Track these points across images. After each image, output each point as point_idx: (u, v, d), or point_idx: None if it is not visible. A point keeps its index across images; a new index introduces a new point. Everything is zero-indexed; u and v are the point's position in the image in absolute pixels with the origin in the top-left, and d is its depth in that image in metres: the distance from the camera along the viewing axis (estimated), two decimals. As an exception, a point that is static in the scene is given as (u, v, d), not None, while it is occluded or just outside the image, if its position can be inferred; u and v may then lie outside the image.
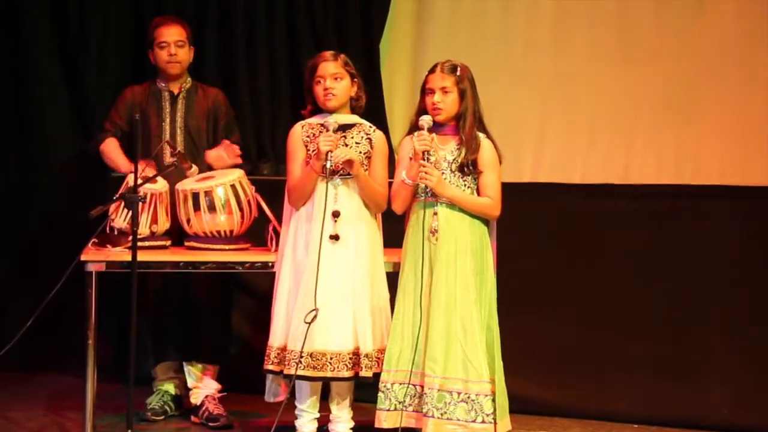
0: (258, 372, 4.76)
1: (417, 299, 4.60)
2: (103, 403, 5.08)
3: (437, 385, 4.54)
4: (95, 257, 4.88)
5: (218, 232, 5.13)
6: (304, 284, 4.66)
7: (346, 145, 4.74)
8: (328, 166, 4.63)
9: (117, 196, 4.89)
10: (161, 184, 5.14)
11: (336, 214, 4.69)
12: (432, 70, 4.69)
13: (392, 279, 4.78)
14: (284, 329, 4.70)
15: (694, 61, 5.59)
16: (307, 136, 4.79)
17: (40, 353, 6.12)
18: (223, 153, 5.38)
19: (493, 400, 4.56)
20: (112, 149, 5.39)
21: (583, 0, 5.79)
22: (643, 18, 5.69)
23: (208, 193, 5.11)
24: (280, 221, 4.94)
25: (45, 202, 6.27)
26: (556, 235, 5.67)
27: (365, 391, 4.90)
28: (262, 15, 6.12)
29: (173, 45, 5.37)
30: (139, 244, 4.68)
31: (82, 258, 4.83)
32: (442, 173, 4.62)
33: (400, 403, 4.61)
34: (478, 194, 4.68)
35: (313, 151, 4.71)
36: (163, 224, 5.16)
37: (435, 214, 4.63)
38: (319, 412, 4.84)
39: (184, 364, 5.42)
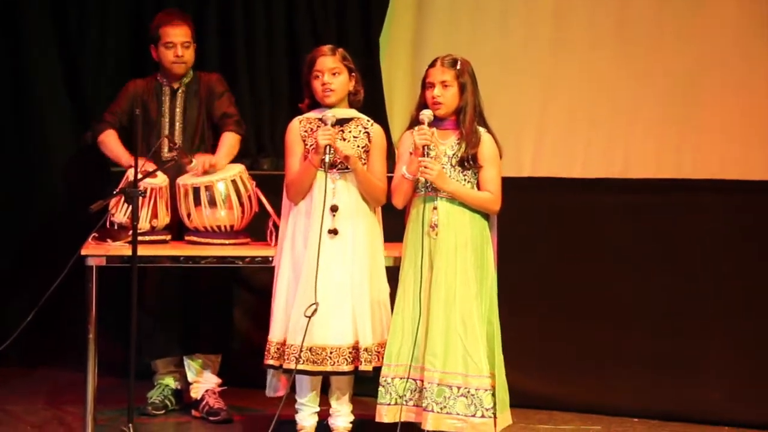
0: (258, 367, 4.76)
1: (417, 294, 4.60)
2: (103, 397, 5.09)
3: (437, 380, 4.54)
4: (95, 252, 4.88)
5: (218, 226, 5.13)
6: (303, 279, 4.66)
7: (344, 140, 4.74)
8: (326, 160, 4.63)
9: (117, 190, 4.89)
10: (161, 179, 5.14)
11: (334, 209, 4.68)
12: (432, 64, 4.68)
13: (393, 273, 4.78)
14: (284, 324, 4.70)
15: (695, 55, 5.58)
16: (305, 131, 4.79)
17: (41, 348, 6.13)
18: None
19: (493, 395, 4.56)
20: (111, 141, 5.38)
21: (583, -6, 5.80)
22: (644, 11, 5.67)
23: (208, 188, 5.12)
24: (279, 216, 4.94)
25: (45, 200, 6.27)
26: (556, 230, 5.68)
27: (365, 386, 4.90)
28: (261, 8, 6.11)
29: (180, 46, 5.34)
30: (140, 238, 4.69)
31: (83, 252, 4.84)
32: (443, 167, 4.62)
33: (400, 397, 4.61)
34: (479, 189, 4.68)
35: (311, 145, 4.70)
36: (163, 219, 5.16)
37: (435, 208, 4.63)
38: (319, 406, 4.85)
39: (185, 358, 5.42)
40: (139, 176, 4.72)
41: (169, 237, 5.20)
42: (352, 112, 4.84)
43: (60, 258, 4.85)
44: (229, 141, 5.35)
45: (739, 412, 5.36)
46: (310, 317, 4.58)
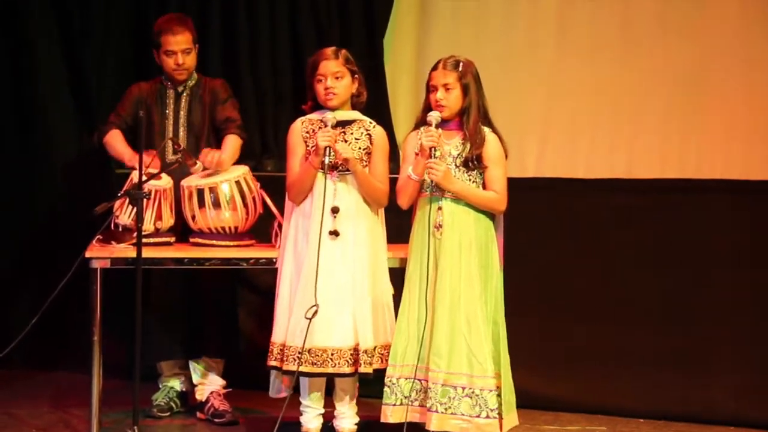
0: (263, 368, 4.76)
1: (422, 294, 4.60)
2: (108, 399, 5.08)
3: (441, 380, 4.54)
4: (100, 254, 4.88)
5: (223, 228, 5.13)
6: (303, 280, 4.65)
7: (346, 141, 4.74)
8: (326, 162, 4.62)
9: (121, 192, 4.89)
10: (165, 181, 5.14)
11: (335, 210, 4.68)
12: (435, 67, 4.68)
13: (398, 274, 4.78)
14: (287, 326, 4.69)
15: (698, 56, 5.58)
16: (307, 132, 4.78)
17: (45, 350, 6.13)
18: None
19: (498, 396, 4.56)
20: (116, 141, 5.38)
21: (586, -5, 5.80)
22: (647, 12, 5.68)
23: (213, 190, 5.12)
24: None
25: (47, 200, 6.27)
26: (560, 230, 5.67)
27: (370, 387, 4.90)
28: (265, 9, 6.11)
29: (180, 54, 5.33)
30: (144, 240, 4.69)
31: (87, 254, 4.83)
32: (448, 167, 4.62)
33: (406, 398, 4.61)
34: (484, 189, 4.67)
35: (312, 147, 4.70)
36: (168, 221, 5.16)
37: (439, 208, 4.63)
38: (324, 407, 4.84)
39: (189, 360, 5.42)
40: (144, 178, 4.72)
41: (173, 239, 5.20)
42: (355, 114, 4.84)
43: (62, 259, 4.84)
44: (232, 143, 5.35)
45: (745, 412, 5.36)
46: (310, 319, 4.58)
